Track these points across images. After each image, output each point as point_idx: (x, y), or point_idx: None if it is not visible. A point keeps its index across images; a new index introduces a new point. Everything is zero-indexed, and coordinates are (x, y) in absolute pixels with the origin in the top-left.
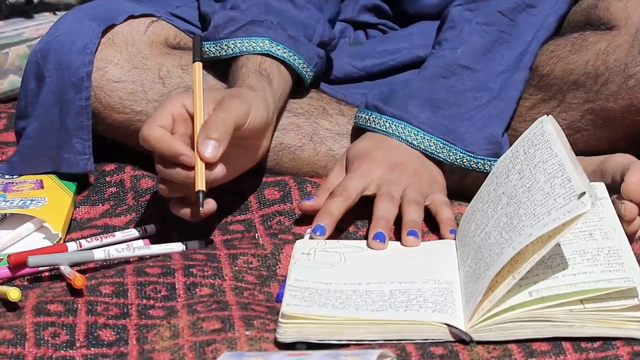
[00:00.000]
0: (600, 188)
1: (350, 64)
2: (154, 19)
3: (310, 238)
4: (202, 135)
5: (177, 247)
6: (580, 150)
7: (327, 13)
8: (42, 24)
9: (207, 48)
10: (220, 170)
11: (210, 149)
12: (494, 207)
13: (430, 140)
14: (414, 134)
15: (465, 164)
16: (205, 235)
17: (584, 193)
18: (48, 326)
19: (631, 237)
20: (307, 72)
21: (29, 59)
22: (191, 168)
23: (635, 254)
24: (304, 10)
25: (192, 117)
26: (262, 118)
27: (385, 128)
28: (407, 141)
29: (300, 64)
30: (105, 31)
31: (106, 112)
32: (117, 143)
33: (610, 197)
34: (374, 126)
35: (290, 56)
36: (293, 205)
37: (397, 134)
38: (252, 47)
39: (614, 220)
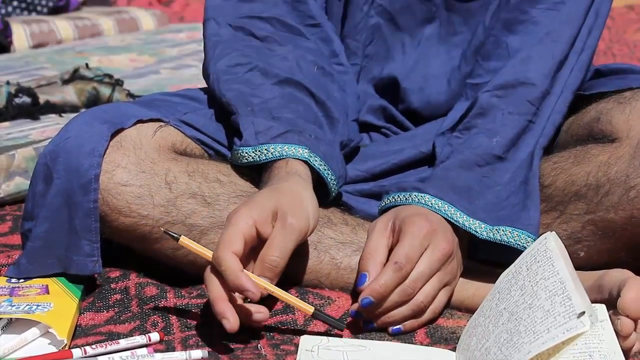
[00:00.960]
0: (601, 310)
1: (353, 167)
2: (162, 124)
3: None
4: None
5: (180, 356)
6: (581, 260)
7: (351, 115)
8: (48, 126)
9: (246, 153)
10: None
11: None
12: (495, 322)
13: (474, 223)
14: (459, 213)
15: (509, 239)
16: (208, 345)
17: (584, 312)
18: None
19: (627, 353)
20: (335, 187)
21: (38, 161)
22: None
23: None
24: (338, 125)
25: (259, 235)
26: (316, 218)
27: (431, 204)
28: (453, 219)
29: (332, 179)
30: (114, 134)
31: (113, 215)
32: (122, 247)
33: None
34: (417, 201)
35: (325, 170)
36: (295, 316)
37: (444, 210)
38: (292, 152)
39: (613, 342)
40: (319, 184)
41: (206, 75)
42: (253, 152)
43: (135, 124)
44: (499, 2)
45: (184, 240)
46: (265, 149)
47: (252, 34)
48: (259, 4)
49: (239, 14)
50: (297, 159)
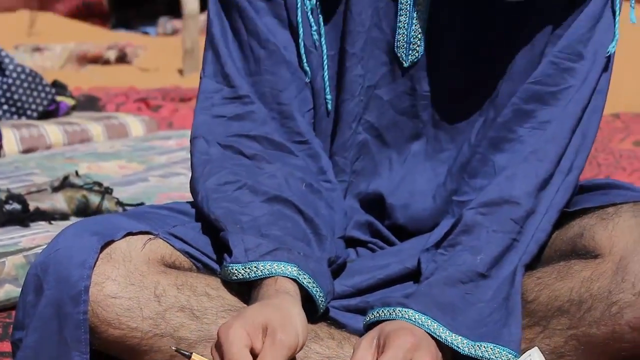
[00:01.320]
0: None
1: (340, 282)
2: (151, 236)
3: None
4: None
5: None
6: None
7: (338, 232)
8: (38, 233)
9: (236, 270)
10: None
11: None
12: None
13: (456, 338)
14: (442, 329)
15: (491, 356)
16: None
17: None
18: None
19: None
20: (323, 304)
21: (29, 271)
22: None
23: None
24: (326, 242)
25: (250, 350)
26: (305, 334)
27: (415, 319)
28: (436, 334)
29: (321, 296)
30: (104, 246)
31: (102, 327)
32: (113, 357)
33: None
34: (401, 316)
35: (314, 287)
36: None
37: (427, 325)
38: (282, 270)
39: None
40: (307, 300)
41: (194, 192)
42: (243, 269)
43: (125, 236)
44: (484, 119)
45: (196, 357)
46: (255, 267)
47: (241, 153)
48: (247, 123)
49: (227, 132)
50: (286, 276)
